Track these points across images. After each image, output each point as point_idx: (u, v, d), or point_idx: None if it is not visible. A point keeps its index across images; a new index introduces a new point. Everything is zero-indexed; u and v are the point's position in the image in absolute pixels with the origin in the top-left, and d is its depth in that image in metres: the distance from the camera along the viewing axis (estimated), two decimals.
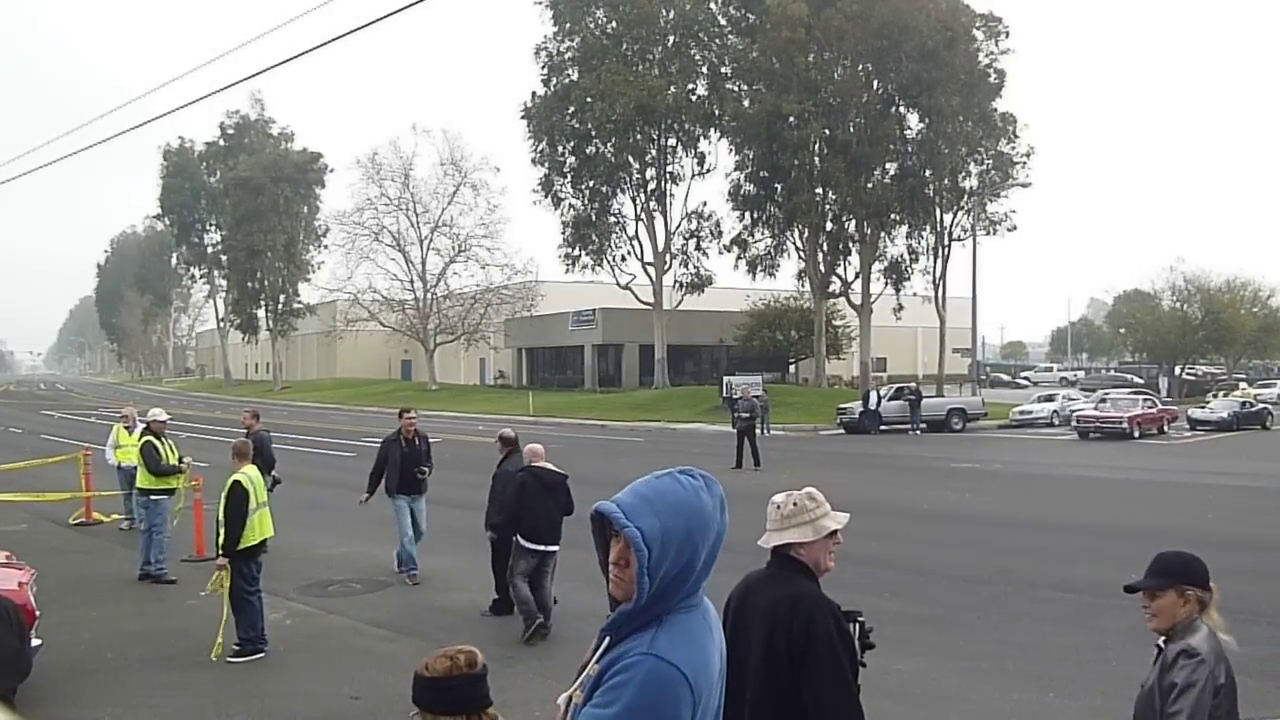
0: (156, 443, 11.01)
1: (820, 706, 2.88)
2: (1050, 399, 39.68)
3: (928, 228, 46.11)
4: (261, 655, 7.82)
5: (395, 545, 10.93)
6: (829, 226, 45.73)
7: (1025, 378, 77.04)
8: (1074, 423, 32.59)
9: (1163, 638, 3.13)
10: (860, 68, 43.74)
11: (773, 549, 3.12)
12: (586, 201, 49.92)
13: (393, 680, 6.99)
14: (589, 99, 46.75)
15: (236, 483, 7.92)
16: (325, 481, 18.96)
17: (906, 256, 47.16)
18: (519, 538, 8.52)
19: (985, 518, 15.30)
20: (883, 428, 34.44)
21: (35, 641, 6.47)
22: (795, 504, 3.11)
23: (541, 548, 8.48)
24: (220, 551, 7.87)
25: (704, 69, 48.97)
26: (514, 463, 9.17)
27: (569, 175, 49.95)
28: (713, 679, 2.12)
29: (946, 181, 44.68)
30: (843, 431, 34.80)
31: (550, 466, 8.79)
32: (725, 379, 42.26)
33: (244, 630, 7.88)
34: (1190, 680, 2.90)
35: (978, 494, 18.12)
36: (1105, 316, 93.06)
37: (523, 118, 50.19)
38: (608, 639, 2.14)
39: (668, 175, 50.00)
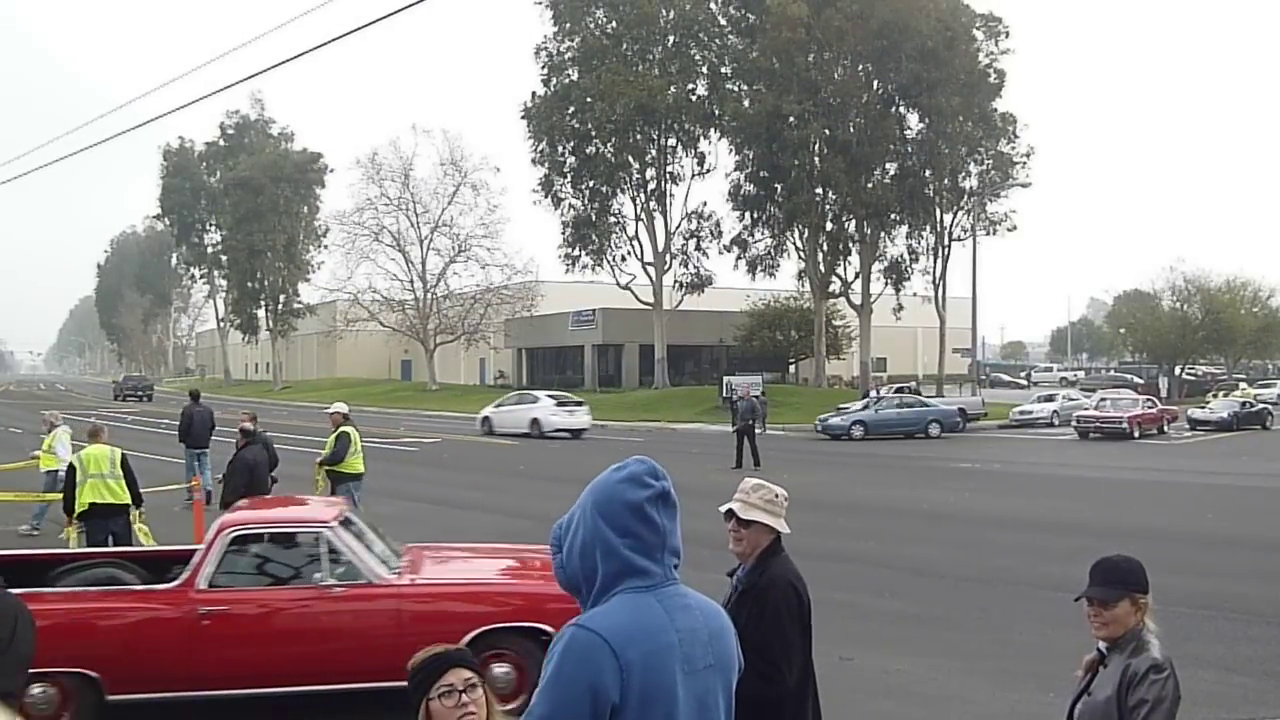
0: (350, 432, 12.33)
1: None
2: (1050, 399, 39.65)
3: (928, 228, 46.14)
4: None
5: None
6: (829, 226, 45.71)
7: (1027, 379, 76.77)
8: (1074, 423, 32.57)
9: (1103, 643, 3.09)
10: (860, 68, 43.74)
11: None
12: (586, 201, 49.87)
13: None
14: (589, 99, 46.72)
15: (74, 459, 9.86)
16: None
17: (906, 256, 47.21)
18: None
19: (985, 518, 15.29)
20: None
21: None
22: (778, 496, 3.64)
23: None
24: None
25: (704, 69, 48.91)
26: (251, 453, 9.92)
27: (569, 175, 49.88)
28: (655, 654, 2.08)
29: (946, 181, 44.70)
30: None
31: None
32: (725, 379, 42.22)
33: None
34: (1160, 696, 2.89)
35: (977, 494, 18.09)
36: (1105, 317, 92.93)
37: (523, 118, 50.13)
38: None
39: (668, 175, 49.95)
